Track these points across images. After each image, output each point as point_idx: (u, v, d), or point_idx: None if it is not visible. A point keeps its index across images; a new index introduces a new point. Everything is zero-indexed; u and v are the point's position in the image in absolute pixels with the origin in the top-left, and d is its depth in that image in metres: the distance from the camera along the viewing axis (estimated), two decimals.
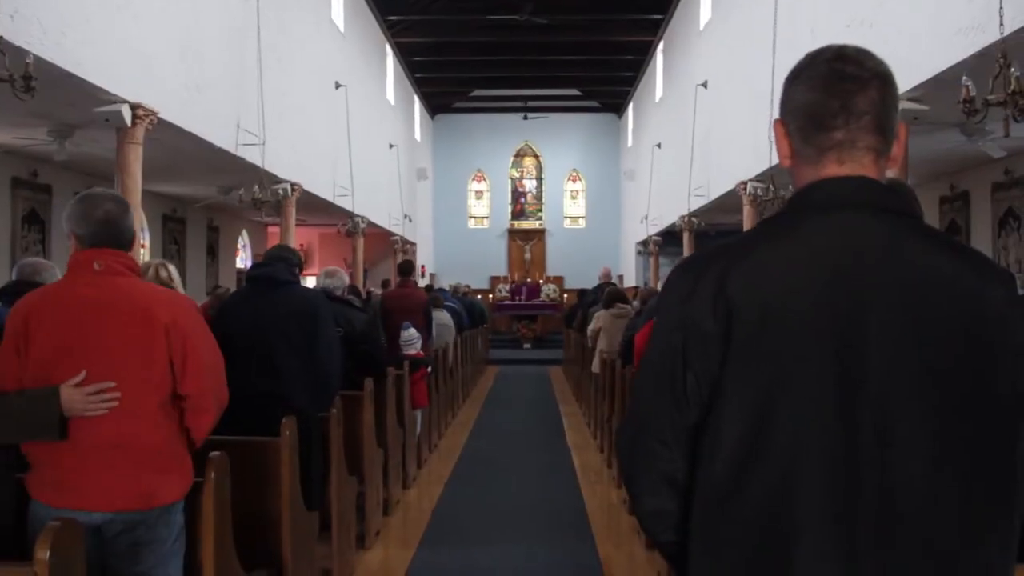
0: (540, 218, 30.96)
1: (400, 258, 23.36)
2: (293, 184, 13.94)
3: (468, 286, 22.35)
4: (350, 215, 18.20)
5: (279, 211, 14.10)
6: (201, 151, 11.05)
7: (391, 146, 22.32)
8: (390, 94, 23.00)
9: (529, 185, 31.30)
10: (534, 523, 6.92)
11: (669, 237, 21.28)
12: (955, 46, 6.80)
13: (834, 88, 1.51)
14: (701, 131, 16.21)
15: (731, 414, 1.46)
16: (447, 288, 19.30)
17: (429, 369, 9.28)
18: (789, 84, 1.58)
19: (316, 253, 25.97)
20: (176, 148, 10.83)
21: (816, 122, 1.53)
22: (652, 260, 22.61)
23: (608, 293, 10.52)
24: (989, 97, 5.51)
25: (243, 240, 22.46)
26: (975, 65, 6.30)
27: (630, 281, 25.54)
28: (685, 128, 17.12)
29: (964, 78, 5.78)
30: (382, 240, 23.09)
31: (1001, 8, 5.47)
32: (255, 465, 3.93)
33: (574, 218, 31.04)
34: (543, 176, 31.16)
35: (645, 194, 22.49)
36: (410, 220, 24.68)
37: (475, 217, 31.22)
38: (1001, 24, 5.48)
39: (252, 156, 11.71)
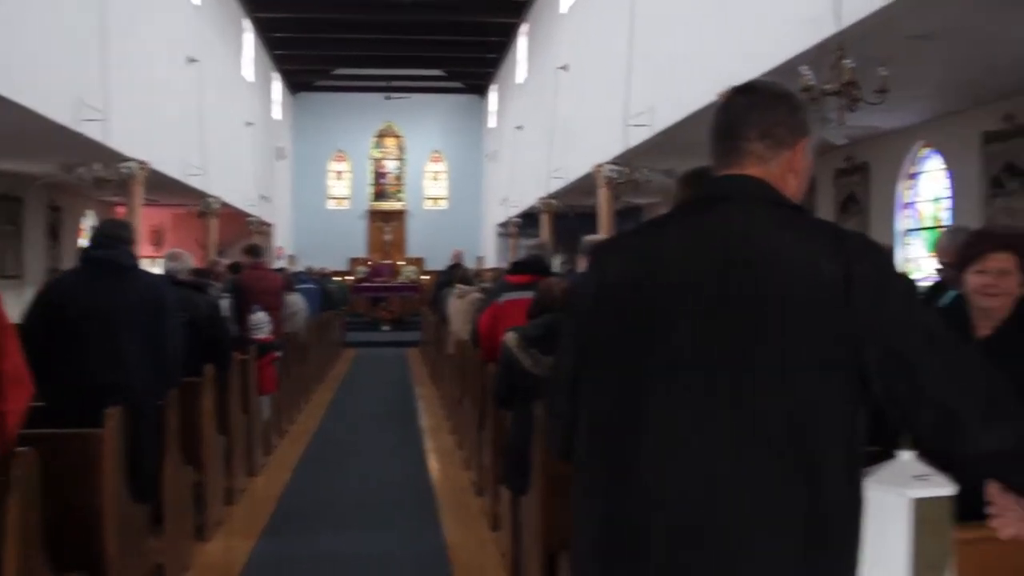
0: (401, 199, 30.68)
1: (255, 239, 22.94)
2: (141, 162, 13.32)
3: (324, 268, 21.92)
4: (203, 195, 17.58)
5: (125, 191, 13.47)
6: (36, 126, 10.36)
7: (248, 124, 21.64)
8: (248, 71, 22.28)
9: (391, 166, 30.97)
10: (382, 507, 6.83)
11: (530, 219, 21.42)
12: (799, 36, 7.01)
13: (731, 109, 1.84)
14: (561, 114, 16.32)
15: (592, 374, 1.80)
16: (303, 270, 18.86)
17: (279, 353, 9.03)
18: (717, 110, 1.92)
19: (168, 234, 24.97)
20: (6, 122, 10.13)
21: (718, 135, 1.85)
22: (511, 242, 22.71)
23: (457, 276, 10.54)
24: (826, 87, 5.70)
25: (89, 221, 21.36)
26: (817, 55, 6.51)
27: (491, 263, 25.59)
28: (545, 111, 17.21)
29: (803, 67, 5.96)
30: (237, 221, 22.35)
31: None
32: (78, 458, 3.70)
33: (435, 199, 30.90)
34: (405, 157, 30.88)
35: (506, 176, 22.57)
36: (267, 200, 24.03)
37: (335, 198, 30.70)
38: (839, 17, 5.66)
39: (94, 132, 11.10)
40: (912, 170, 12.95)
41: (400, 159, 30.97)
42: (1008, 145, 10.52)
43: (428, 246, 28.97)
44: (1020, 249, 2.80)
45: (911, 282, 1.86)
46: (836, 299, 1.62)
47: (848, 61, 5.54)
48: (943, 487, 1.78)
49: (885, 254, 1.73)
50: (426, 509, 6.76)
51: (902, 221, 13.18)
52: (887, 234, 13.10)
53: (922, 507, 1.77)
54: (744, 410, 1.61)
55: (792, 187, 1.83)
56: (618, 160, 12.07)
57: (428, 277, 26.79)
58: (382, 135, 30.80)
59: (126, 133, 12.27)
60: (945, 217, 12.19)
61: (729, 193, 1.79)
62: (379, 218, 30.20)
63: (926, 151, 12.58)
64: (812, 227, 1.73)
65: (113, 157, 11.91)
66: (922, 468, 1.82)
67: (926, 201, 12.83)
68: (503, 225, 24.14)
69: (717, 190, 1.83)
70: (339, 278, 24.45)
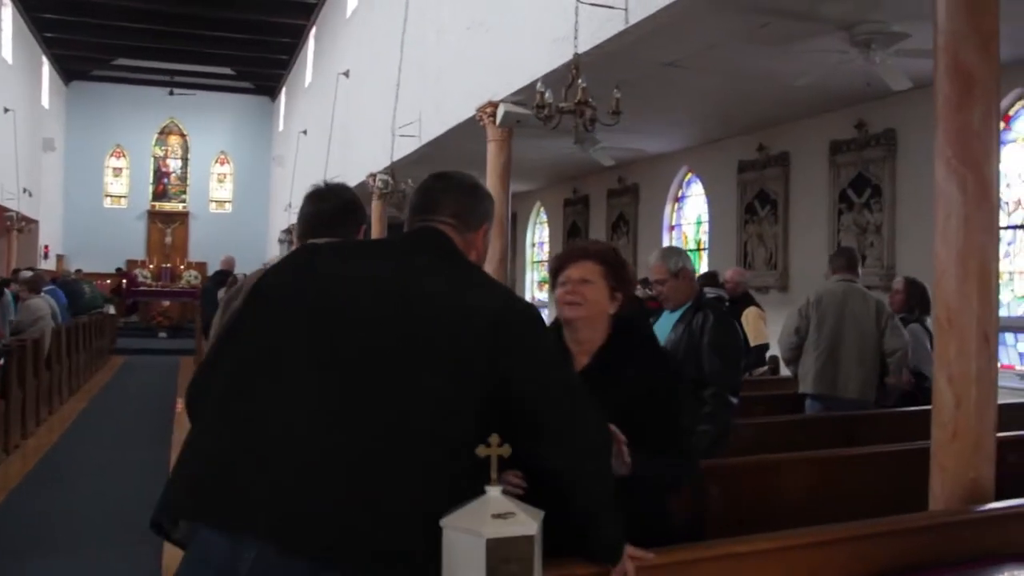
0: (184, 200, 29.31)
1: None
2: None
3: (79, 270, 20.55)
4: None
5: None
6: None
7: (7, 111, 19.98)
8: (6, 51, 20.56)
9: (173, 165, 29.54)
10: (105, 530, 6.28)
11: None
12: (551, 54, 7.06)
13: (427, 193, 2.15)
14: (340, 121, 16.00)
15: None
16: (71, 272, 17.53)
17: (1, 361, 8.26)
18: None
19: None
20: None
21: (415, 211, 2.14)
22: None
23: (226, 283, 10.10)
24: (562, 104, 5.74)
25: None
26: (563, 75, 6.54)
27: None
28: (327, 117, 16.84)
29: (539, 84, 5.98)
30: None
31: (576, 23, 5.74)
32: None
33: (220, 202, 29.70)
34: (189, 156, 29.54)
35: (291, 182, 21.97)
36: (30, 195, 22.28)
37: (112, 196, 28.95)
38: (576, 37, 5.72)
39: None
40: (679, 193, 13.46)
41: (184, 158, 29.59)
42: (760, 174, 11.08)
43: (212, 251, 27.68)
44: (602, 258, 2.63)
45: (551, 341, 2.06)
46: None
47: (581, 81, 5.59)
48: (525, 524, 1.71)
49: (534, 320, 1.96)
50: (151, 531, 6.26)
51: (668, 241, 13.67)
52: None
53: (499, 547, 1.68)
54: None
55: (469, 249, 2.13)
56: (387, 171, 11.89)
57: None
58: (165, 132, 29.33)
59: None
60: (706, 240, 12.73)
61: (414, 237, 2.10)
62: (160, 219, 28.72)
63: (691, 176, 13.10)
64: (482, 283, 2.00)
65: None
66: (507, 505, 1.73)
67: (690, 224, 13.37)
68: (286, 231, 23.47)
69: (408, 234, 2.13)
70: (109, 281, 23.10)
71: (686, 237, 13.50)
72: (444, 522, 1.70)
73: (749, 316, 7.46)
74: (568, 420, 1.89)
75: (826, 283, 5.76)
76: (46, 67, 24.95)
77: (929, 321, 6.02)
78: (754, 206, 11.22)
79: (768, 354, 7.76)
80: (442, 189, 2.13)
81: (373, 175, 12.86)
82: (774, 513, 3.57)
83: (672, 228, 13.65)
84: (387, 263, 1.95)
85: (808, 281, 9.41)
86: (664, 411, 2.50)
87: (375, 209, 13.15)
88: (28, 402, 9.98)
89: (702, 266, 12.95)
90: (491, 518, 1.69)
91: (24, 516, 6.65)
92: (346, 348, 1.82)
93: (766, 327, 7.53)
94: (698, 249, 13.15)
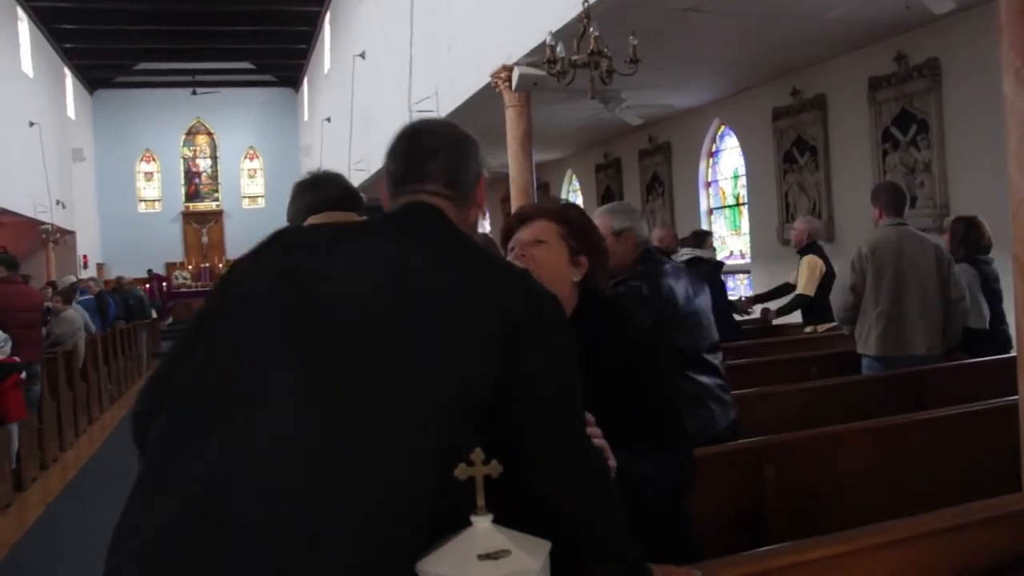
0: (217, 199, 29.27)
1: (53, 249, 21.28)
2: None
3: (120, 278, 20.48)
4: None
5: None
6: None
7: (32, 124, 19.91)
8: (27, 65, 20.49)
9: (203, 165, 29.50)
10: None
11: None
12: (561, 9, 6.62)
13: (410, 157, 1.73)
14: (360, 103, 15.67)
15: None
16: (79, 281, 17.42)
17: (23, 375, 8.07)
18: (385, 157, 1.80)
19: None
20: None
21: (398, 182, 1.74)
22: None
23: None
24: (574, 58, 5.31)
25: None
26: (576, 27, 6.11)
27: None
28: (348, 101, 16.53)
29: (548, 37, 5.54)
30: (28, 229, 20.56)
31: None
32: None
33: (253, 197, 29.62)
34: (218, 155, 29.46)
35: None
36: (63, 206, 22.29)
37: (146, 200, 28.99)
38: None
39: None
40: (712, 148, 12.95)
41: (213, 157, 29.53)
42: (796, 120, 10.54)
43: (249, 247, 27.55)
44: (558, 215, 2.18)
45: None
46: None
47: (593, 30, 5.15)
48: (521, 565, 1.34)
49: None
50: None
51: (705, 199, 13.18)
52: (692, 213, 13.08)
53: None
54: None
55: (472, 220, 1.82)
56: None
57: None
58: (192, 132, 29.29)
59: None
60: (744, 194, 12.22)
61: (404, 218, 1.70)
62: (195, 220, 28.72)
63: (724, 128, 12.58)
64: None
65: None
66: (499, 539, 1.36)
67: (727, 179, 12.86)
68: None
69: (396, 214, 1.72)
70: (148, 285, 23.12)
71: (724, 193, 12.98)
72: (420, 566, 1.33)
73: (803, 263, 7.03)
74: (569, 447, 1.54)
75: (877, 230, 5.14)
76: (69, 78, 24.91)
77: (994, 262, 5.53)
78: (792, 154, 10.68)
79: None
80: (428, 150, 1.74)
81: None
82: (839, 493, 3.17)
83: (708, 185, 13.15)
84: (381, 255, 1.56)
85: (856, 229, 8.90)
86: (647, 394, 2.06)
87: None
88: (65, 414, 9.84)
89: (743, 222, 12.47)
90: (477, 559, 1.32)
91: (57, 531, 6.51)
92: (334, 371, 1.43)
93: (818, 278, 6.97)
94: (737, 204, 12.64)
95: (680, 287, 3.26)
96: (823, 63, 9.85)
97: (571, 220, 2.18)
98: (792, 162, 10.69)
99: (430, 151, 1.73)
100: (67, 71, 24.71)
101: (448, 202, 1.70)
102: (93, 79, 27.19)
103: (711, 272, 6.74)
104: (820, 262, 6.97)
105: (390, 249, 1.57)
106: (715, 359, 3.35)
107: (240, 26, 23.16)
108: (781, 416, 4.18)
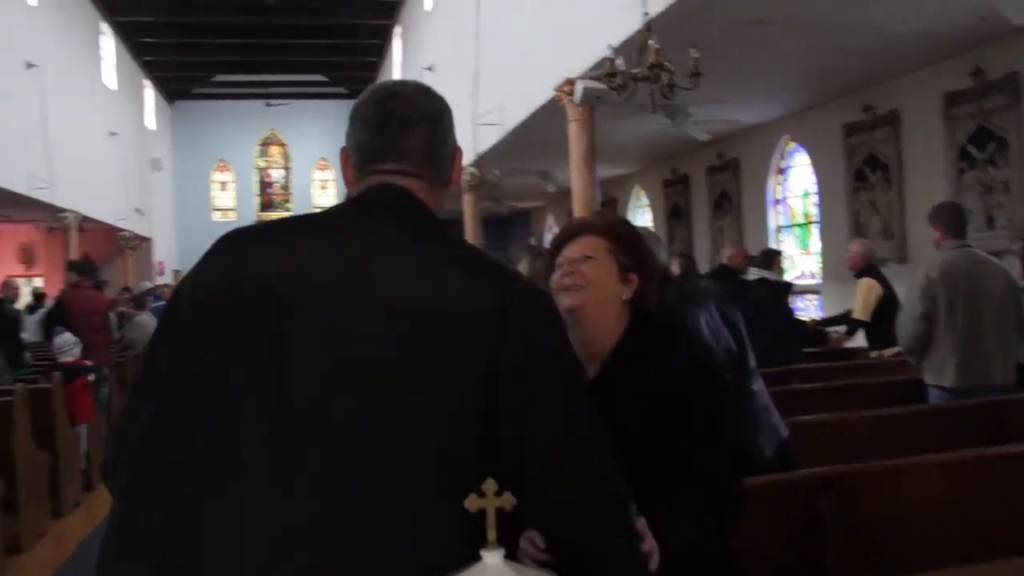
0: (289, 209, 29.71)
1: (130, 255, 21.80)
2: None
3: None
4: (55, 210, 16.50)
5: None
6: None
7: (112, 135, 20.46)
8: (110, 78, 21.08)
9: (276, 175, 29.99)
10: None
11: None
12: (623, 21, 6.53)
13: (384, 129, 1.52)
14: None
15: None
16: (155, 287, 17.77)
17: (92, 377, 8.24)
18: (349, 120, 1.58)
19: (40, 252, 23.52)
20: None
21: (368, 158, 1.53)
22: None
23: None
24: (634, 71, 5.21)
25: None
26: (638, 40, 6.02)
27: None
28: None
29: (608, 49, 5.44)
30: (108, 237, 21.09)
31: None
32: None
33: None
34: (291, 165, 29.93)
35: None
36: (141, 214, 22.84)
37: (220, 209, 29.58)
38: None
39: None
40: (781, 165, 12.71)
41: (286, 167, 30.00)
42: (868, 136, 10.28)
43: None
44: (608, 230, 2.04)
45: None
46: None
47: (653, 42, 5.05)
48: None
49: None
50: None
51: (774, 218, 12.93)
52: (760, 231, 12.84)
53: None
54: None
55: (443, 199, 1.59)
56: (473, 164, 11.54)
57: None
58: (266, 143, 29.81)
59: None
60: (815, 213, 11.95)
61: (374, 206, 1.48)
62: None
63: (793, 145, 12.34)
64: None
65: None
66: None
67: (796, 197, 12.60)
68: None
69: (364, 200, 1.51)
70: None
71: (793, 211, 12.72)
72: None
73: (859, 287, 6.82)
74: (580, 478, 1.36)
75: (942, 254, 4.84)
76: (149, 90, 25.55)
77: None
78: (864, 172, 10.41)
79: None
80: (406, 121, 1.51)
81: (463, 168, 12.54)
82: (902, 529, 3.02)
83: (777, 202, 12.89)
84: (345, 252, 1.38)
85: (930, 250, 8.54)
86: (700, 428, 1.88)
87: (467, 203, 12.82)
88: None
89: (812, 241, 12.20)
90: None
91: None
92: (303, 392, 1.29)
93: (873, 302, 6.73)
94: (807, 223, 12.37)
95: (702, 315, 3.13)
96: (896, 78, 9.58)
97: (621, 235, 2.05)
98: (864, 180, 10.42)
99: (408, 122, 1.52)
100: (147, 83, 25.35)
101: (424, 183, 1.51)
102: (171, 91, 27.86)
103: (776, 294, 6.58)
104: (877, 285, 6.73)
105: (355, 248, 1.38)
106: (757, 384, 3.23)
107: (313, 39, 23.55)
108: (844, 445, 4.02)
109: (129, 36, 22.30)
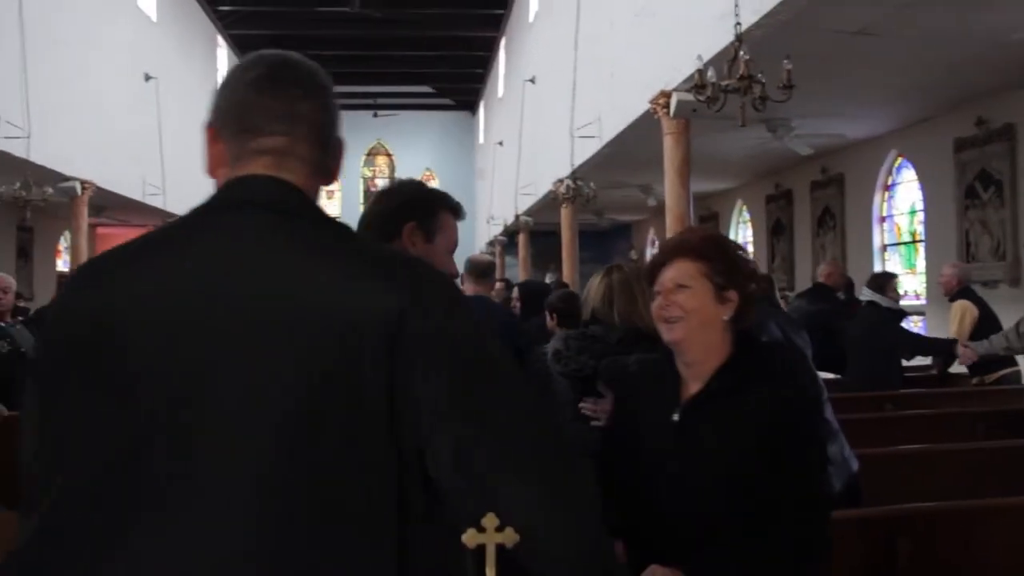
0: None
1: None
2: (84, 182, 12.88)
3: None
4: (166, 215, 17.12)
5: (67, 211, 13.05)
6: None
7: None
8: None
9: (382, 185, 30.46)
10: None
11: (514, 237, 20.90)
12: (718, 33, 6.39)
13: (276, 89, 1.27)
14: (529, 128, 15.77)
15: None
16: None
17: None
18: (221, 86, 1.32)
19: None
20: None
21: (248, 123, 1.27)
22: (498, 261, 22.16)
23: None
24: (724, 83, 5.08)
25: (65, 242, 20.94)
26: (732, 52, 5.88)
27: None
28: (518, 125, 16.69)
29: (698, 60, 5.32)
30: None
31: None
32: None
33: None
34: (396, 176, 30.41)
35: (490, 193, 22.11)
36: None
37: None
38: (736, 5, 5.05)
39: (17, 150, 10.65)
40: (888, 181, 12.27)
41: (391, 178, 30.48)
42: (981, 152, 9.83)
43: None
44: (699, 251, 1.97)
45: None
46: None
47: (743, 53, 4.91)
48: None
49: None
50: None
51: (879, 235, 12.49)
52: (865, 249, 12.43)
53: None
54: None
55: (318, 190, 1.34)
56: (575, 174, 11.49)
57: None
58: (372, 153, 30.37)
59: (63, 151, 11.83)
60: (922, 231, 11.50)
61: (243, 200, 1.25)
62: None
63: (901, 160, 11.90)
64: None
65: (46, 176, 11.45)
66: None
67: (903, 214, 12.14)
68: (491, 244, 23.61)
69: (231, 195, 1.27)
70: None
71: (899, 229, 12.25)
72: None
73: (954, 310, 6.62)
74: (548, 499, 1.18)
75: None
76: None
77: None
78: (975, 189, 9.94)
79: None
80: (291, 96, 1.28)
81: (560, 180, 12.48)
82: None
83: (883, 220, 12.43)
84: (203, 265, 1.17)
85: None
86: (796, 463, 1.84)
87: (564, 216, 12.78)
88: None
89: (918, 261, 11.74)
90: None
91: None
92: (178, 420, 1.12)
93: (969, 325, 6.45)
94: (914, 241, 11.90)
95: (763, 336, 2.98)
96: (1012, 90, 9.12)
97: (711, 255, 1.97)
98: (975, 197, 9.95)
99: (293, 98, 1.28)
100: None
101: (308, 171, 1.28)
102: None
103: (883, 320, 6.33)
104: (972, 307, 6.49)
105: (216, 259, 1.18)
106: (827, 412, 3.07)
107: (421, 51, 23.91)
108: (929, 481, 3.81)
109: (243, 49, 23.06)
